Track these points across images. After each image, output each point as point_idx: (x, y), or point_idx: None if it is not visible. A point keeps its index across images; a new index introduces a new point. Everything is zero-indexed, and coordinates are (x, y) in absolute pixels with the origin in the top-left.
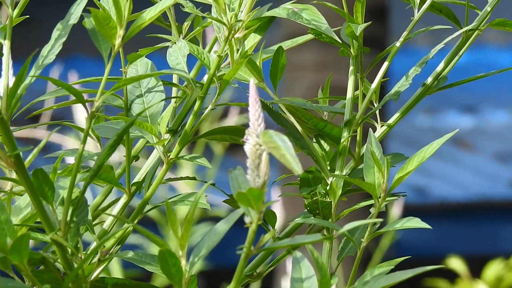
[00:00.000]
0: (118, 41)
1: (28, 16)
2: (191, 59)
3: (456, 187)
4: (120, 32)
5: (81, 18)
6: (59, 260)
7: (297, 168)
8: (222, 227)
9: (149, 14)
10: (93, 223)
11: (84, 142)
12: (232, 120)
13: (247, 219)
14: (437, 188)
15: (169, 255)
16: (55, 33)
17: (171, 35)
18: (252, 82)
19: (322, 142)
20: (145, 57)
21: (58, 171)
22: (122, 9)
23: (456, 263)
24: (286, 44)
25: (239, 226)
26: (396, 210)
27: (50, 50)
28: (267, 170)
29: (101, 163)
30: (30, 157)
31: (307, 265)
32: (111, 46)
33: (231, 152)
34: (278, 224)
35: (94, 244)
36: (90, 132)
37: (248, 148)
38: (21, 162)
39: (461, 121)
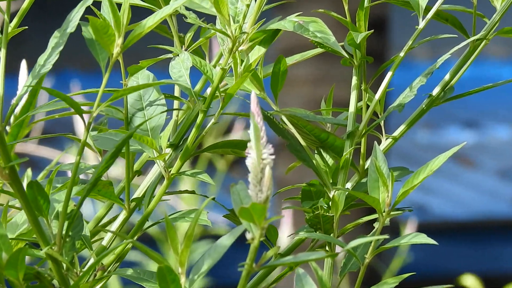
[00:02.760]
0: (116, 50)
1: (26, 27)
2: (196, 73)
3: (457, 205)
4: (119, 41)
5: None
6: (54, 275)
7: None
8: (223, 244)
9: (149, 22)
10: (93, 239)
11: (80, 153)
12: (237, 134)
13: (248, 235)
14: (437, 206)
15: (168, 272)
16: (52, 42)
17: (173, 46)
18: (254, 94)
19: (325, 154)
20: (147, 70)
21: (57, 185)
22: (120, 16)
23: (470, 282)
24: (288, 60)
25: (241, 242)
26: (409, 230)
27: (47, 59)
28: (270, 184)
29: (98, 176)
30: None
31: (310, 282)
32: (109, 55)
33: (233, 169)
34: (287, 240)
35: (91, 261)
36: (92, 145)
37: (250, 162)
38: (15, 174)
39: (463, 136)
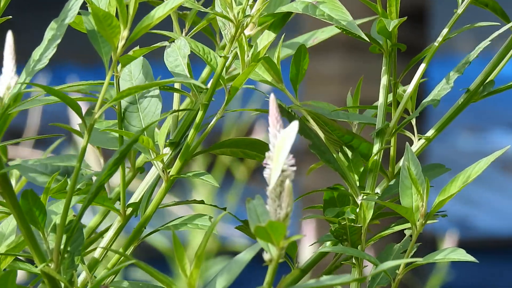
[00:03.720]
0: (121, 44)
1: (10, 16)
2: (201, 63)
3: (503, 218)
4: (124, 34)
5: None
6: None
7: None
8: (240, 261)
9: (158, 13)
10: (88, 249)
11: (80, 160)
12: (259, 137)
13: (266, 256)
14: (480, 220)
15: None
16: (48, 34)
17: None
18: (273, 97)
19: (350, 154)
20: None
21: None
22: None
23: None
24: (308, 42)
25: (260, 259)
26: (447, 244)
27: (43, 53)
28: (291, 200)
29: (100, 184)
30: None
31: None
32: (112, 49)
33: (255, 178)
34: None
35: (83, 275)
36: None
37: (268, 174)
38: (7, 182)
39: (509, 141)
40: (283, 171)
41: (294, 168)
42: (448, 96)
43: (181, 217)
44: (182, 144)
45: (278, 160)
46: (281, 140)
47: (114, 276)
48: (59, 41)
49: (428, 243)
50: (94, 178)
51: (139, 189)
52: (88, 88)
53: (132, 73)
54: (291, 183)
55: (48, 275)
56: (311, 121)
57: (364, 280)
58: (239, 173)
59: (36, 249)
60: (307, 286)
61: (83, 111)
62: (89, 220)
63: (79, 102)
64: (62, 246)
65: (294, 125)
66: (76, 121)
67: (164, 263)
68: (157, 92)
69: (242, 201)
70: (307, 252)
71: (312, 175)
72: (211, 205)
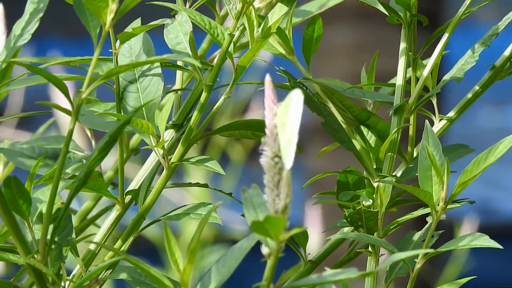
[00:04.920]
0: (110, 17)
1: None
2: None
3: None
4: (113, 7)
5: None
6: None
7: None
8: (235, 256)
9: None
10: (79, 237)
11: (67, 143)
12: (255, 114)
13: (264, 250)
14: (503, 203)
15: None
16: (29, 6)
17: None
18: (268, 78)
19: (366, 133)
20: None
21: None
22: None
23: None
24: (315, 9)
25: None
26: (466, 231)
27: (25, 28)
28: (289, 190)
29: (89, 170)
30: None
31: None
32: (101, 23)
33: (254, 160)
34: (316, 246)
35: (77, 268)
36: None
37: (265, 161)
38: None
39: None
40: (280, 157)
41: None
42: (467, 72)
43: (183, 206)
44: (184, 127)
45: (287, 139)
46: (283, 111)
47: (111, 269)
48: (41, 14)
49: (445, 229)
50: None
51: (138, 176)
52: (77, 63)
53: (132, 49)
54: (290, 171)
55: (33, 267)
56: (324, 97)
57: (371, 274)
58: (235, 154)
59: (20, 240)
60: (308, 282)
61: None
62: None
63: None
64: (49, 237)
65: (297, 93)
66: (60, 99)
67: (157, 254)
68: (158, 70)
69: (241, 184)
70: (312, 240)
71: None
72: (215, 189)
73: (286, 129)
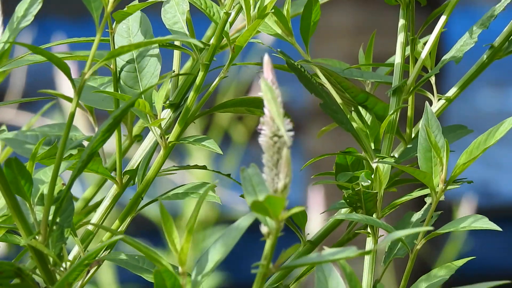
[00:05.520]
0: None
1: None
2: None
3: None
4: None
5: None
6: (38, 271)
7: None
8: (233, 234)
9: None
10: (83, 222)
11: (69, 126)
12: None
13: (264, 229)
14: (505, 184)
15: (167, 276)
16: None
17: None
18: (267, 58)
19: (364, 114)
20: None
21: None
22: None
23: None
24: None
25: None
26: (464, 211)
27: (28, 9)
28: (289, 169)
29: (92, 151)
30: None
31: (335, 275)
32: (103, 4)
33: (256, 141)
34: (318, 228)
35: (76, 249)
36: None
37: (264, 140)
38: None
39: None
40: (279, 136)
41: (293, 133)
42: (466, 52)
43: (183, 185)
44: (182, 106)
45: (275, 115)
46: (265, 88)
47: (109, 249)
48: None
49: (443, 210)
50: (86, 143)
51: (136, 155)
52: (78, 44)
53: (130, 29)
54: (289, 150)
55: (35, 248)
56: (323, 78)
57: (370, 253)
58: (237, 135)
59: (22, 221)
60: (307, 262)
61: (72, 71)
62: (81, 194)
63: (67, 62)
64: (50, 218)
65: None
66: (62, 80)
67: (158, 235)
68: (156, 51)
69: (243, 165)
70: (314, 222)
71: (320, 138)
72: (213, 171)
73: (271, 101)
